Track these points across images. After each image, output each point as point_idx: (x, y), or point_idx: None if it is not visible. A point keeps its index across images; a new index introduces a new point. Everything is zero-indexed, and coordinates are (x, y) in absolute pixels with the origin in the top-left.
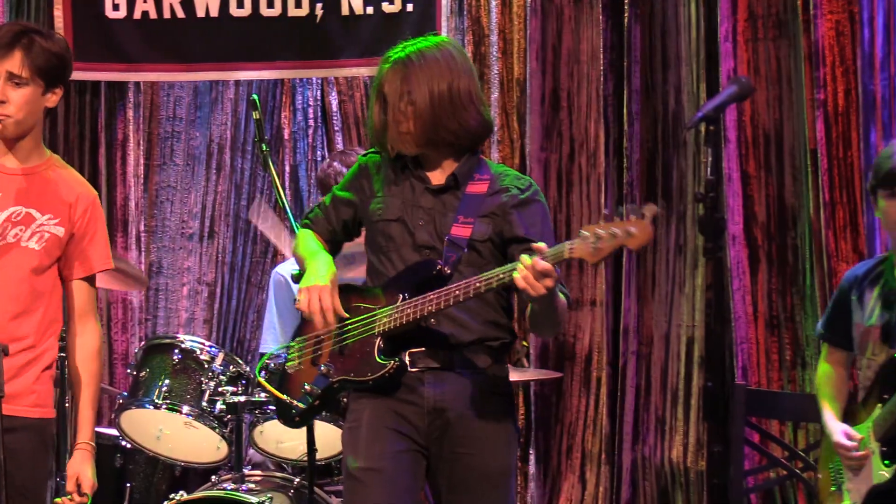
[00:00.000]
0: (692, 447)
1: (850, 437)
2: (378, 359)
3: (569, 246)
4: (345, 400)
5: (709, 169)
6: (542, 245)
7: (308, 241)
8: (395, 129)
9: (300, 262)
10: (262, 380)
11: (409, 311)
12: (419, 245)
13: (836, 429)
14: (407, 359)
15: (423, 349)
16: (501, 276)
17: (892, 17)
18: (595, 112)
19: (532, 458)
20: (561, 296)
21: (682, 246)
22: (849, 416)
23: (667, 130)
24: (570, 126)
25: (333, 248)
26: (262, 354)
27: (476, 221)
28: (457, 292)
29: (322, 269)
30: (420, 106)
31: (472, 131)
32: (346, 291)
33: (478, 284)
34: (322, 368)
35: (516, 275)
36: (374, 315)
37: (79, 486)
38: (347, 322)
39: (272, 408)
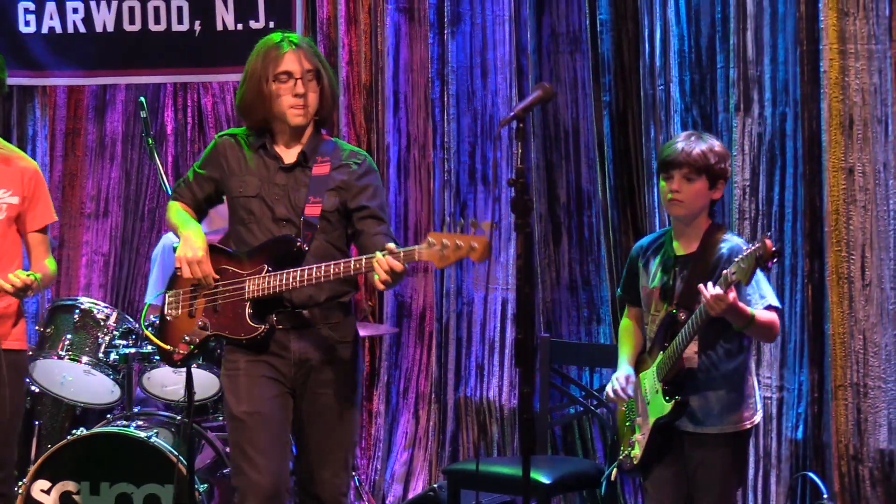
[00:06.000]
0: (506, 388)
1: (625, 380)
2: (250, 322)
3: (418, 250)
4: (219, 351)
5: (519, 159)
6: (392, 245)
7: (178, 211)
8: (292, 102)
9: (173, 228)
10: (148, 333)
11: (274, 283)
12: (278, 218)
13: (620, 371)
14: (274, 318)
15: (288, 309)
16: (358, 266)
17: (668, 33)
18: (425, 112)
19: (376, 398)
20: None
21: (498, 223)
22: (640, 364)
23: (485, 127)
24: (407, 123)
25: (199, 215)
26: (146, 305)
27: (325, 197)
28: (318, 274)
29: (195, 241)
30: (325, 83)
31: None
32: (216, 253)
33: (337, 270)
34: (199, 322)
35: (376, 277)
36: (243, 280)
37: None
38: (218, 283)
39: (157, 359)
